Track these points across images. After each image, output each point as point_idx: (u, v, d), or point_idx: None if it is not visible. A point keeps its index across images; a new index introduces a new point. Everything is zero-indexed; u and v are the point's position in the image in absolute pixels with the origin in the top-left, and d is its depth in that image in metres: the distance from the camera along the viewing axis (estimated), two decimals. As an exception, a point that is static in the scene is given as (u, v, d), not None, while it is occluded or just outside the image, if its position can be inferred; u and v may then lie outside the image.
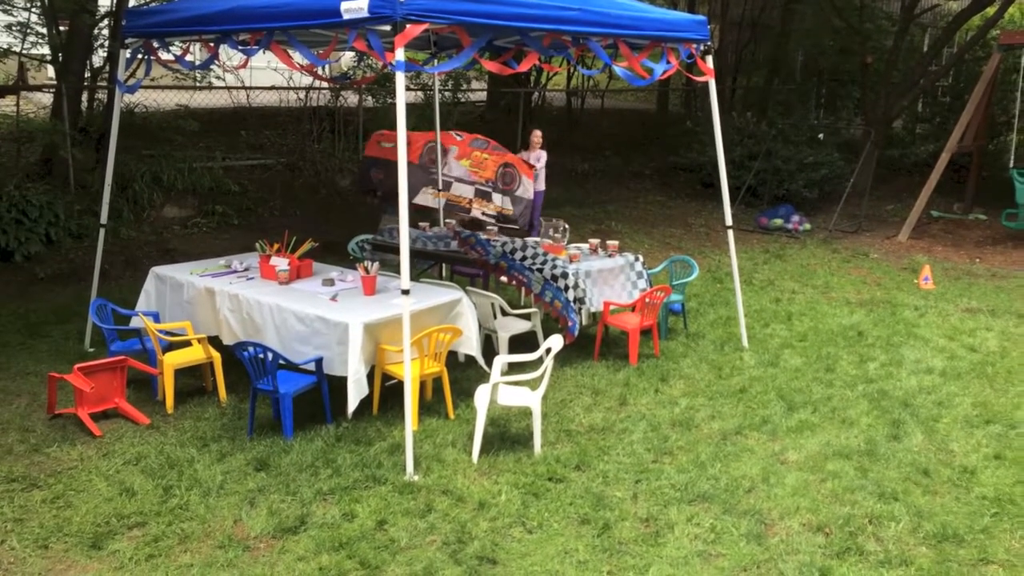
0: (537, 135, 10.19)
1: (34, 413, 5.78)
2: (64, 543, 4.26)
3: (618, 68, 6.48)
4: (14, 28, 11.11)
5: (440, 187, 9.72)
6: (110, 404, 5.73)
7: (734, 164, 13.71)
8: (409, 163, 9.42)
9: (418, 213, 9.56)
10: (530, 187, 10.02)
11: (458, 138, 9.97)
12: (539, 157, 10.02)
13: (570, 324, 6.92)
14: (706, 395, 6.39)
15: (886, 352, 7.43)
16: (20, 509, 4.55)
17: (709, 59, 7.03)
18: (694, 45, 6.89)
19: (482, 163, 9.88)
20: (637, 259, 7.62)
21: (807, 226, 12.86)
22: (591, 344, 7.28)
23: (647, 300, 7.12)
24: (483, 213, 9.77)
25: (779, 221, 12.84)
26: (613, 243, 7.70)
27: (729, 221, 7.52)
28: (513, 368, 6.51)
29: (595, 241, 7.79)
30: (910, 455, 5.43)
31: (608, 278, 7.36)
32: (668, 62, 6.71)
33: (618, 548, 4.31)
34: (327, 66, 11.13)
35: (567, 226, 8.33)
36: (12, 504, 4.60)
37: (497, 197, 9.82)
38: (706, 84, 7.17)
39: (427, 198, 9.77)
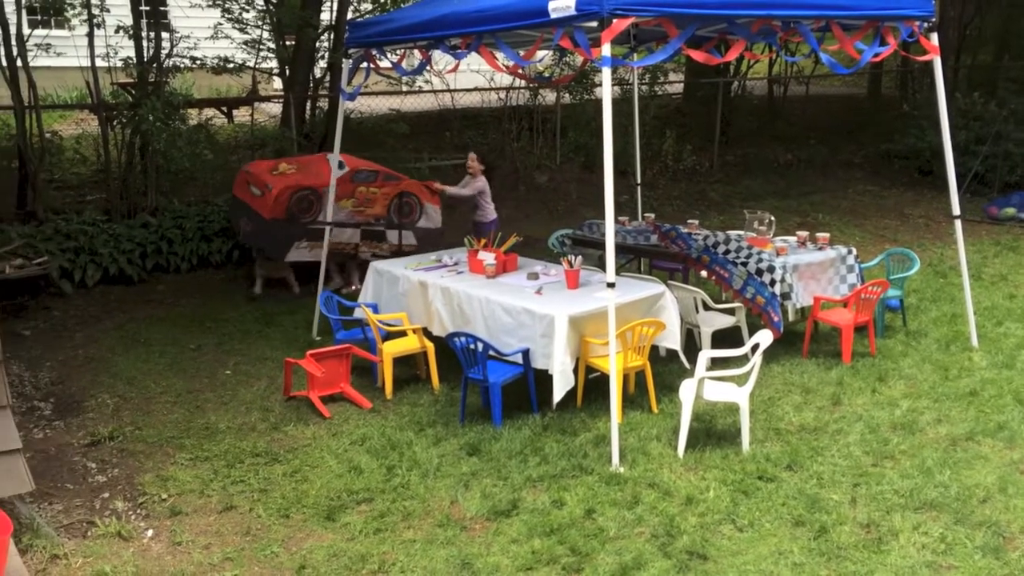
0: (472, 158, 8.42)
1: (272, 395, 6.36)
2: (303, 513, 4.67)
3: (824, 56, 6.18)
4: (248, 45, 12.26)
5: (314, 238, 8.42)
6: (336, 389, 6.20)
7: (958, 149, 12.58)
8: (273, 220, 8.27)
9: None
10: (436, 215, 9.03)
11: (339, 171, 8.41)
12: (477, 180, 8.30)
13: (775, 320, 6.69)
14: (930, 397, 5.97)
15: None
16: (264, 481, 5.05)
17: (934, 36, 6.54)
18: (917, 22, 6.44)
19: (369, 199, 8.64)
20: (849, 252, 7.23)
21: (1045, 215, 11.64)
22: (799, 341, 7.00)
23: (862, 295, 6.75)
24: (373, 255, 8.62)
25: (1011, 210, 11.70)
26: (824, 235, 7.36)
27: (957, 210, 6.96)
28: (716, 363, 6.39)
29: (804, 234, 7.48)
30: None
31: (816, 272, 7.04)
32: (885, 42, 6.32)
33: (837, 553, 4.14)
34: (528, 66, 10.77)
35: (773, 218, 8.01)
36: (258, 476, 5.10)
37: (392, 234, 8.71)
38: (925, 64, 6.70)
39: (302, 253, 8.47)
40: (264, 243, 8.52)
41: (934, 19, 6.53)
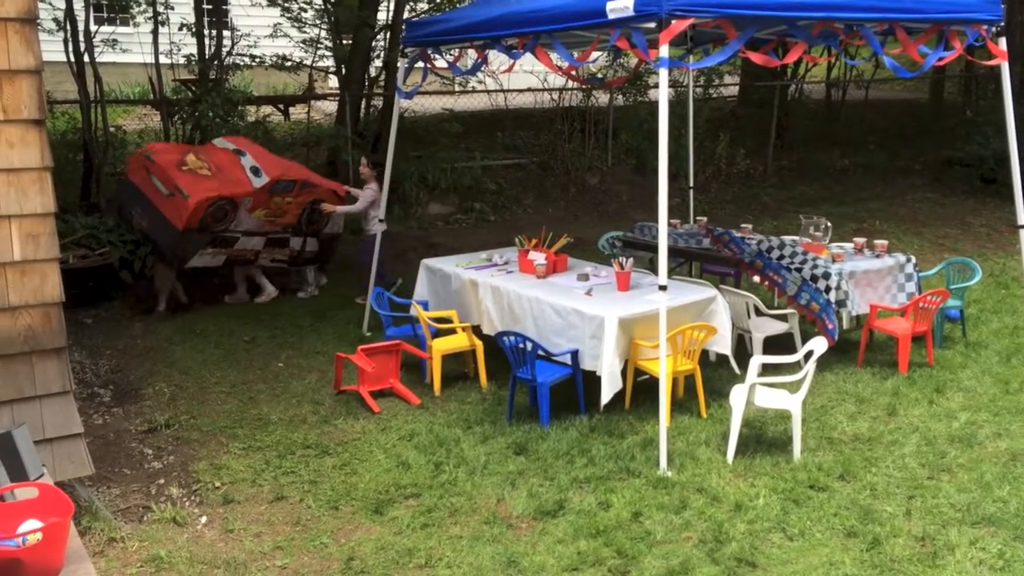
0: (363, 163, 8.25)
1: (323, 388, 6.45)
2: (351, 506, 4.73)
3: (887, 59, 6.06)
4: (306, 44, 12.46)
5: (220, 245, 7.93)
6: (386, 384, 6.26)
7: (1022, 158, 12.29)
8: (187, 230, 7.56)
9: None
10: (340, 221, 8.66)
11: (257, 178, 7.90)
12: (367, 190, 8.20)
13: (829, 327, 6.58)
14: (990, 410, 5.81)
15: None
16: (314, 472, 5.12)
17: (1002, 41, 6.37)
18: (984, 26, 6.27)
19: (283, 209, 8.11)
20: (909, 260, 7.08)
21: (1115, 226, 11.24)
22: (853, 349, 6.87)
23: (921, 305, 6.60)
24: (272, 260, 8.38)
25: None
26: (882, 242, 7.22)
27: (1022, 219, 6.77)
28: (768, 369, 6.30)
29: (861, 240, 7.34)
30: None
31: (873, 280, 6.91)
32: (950, 46, 6.17)
33: (890, 565, 4.05)
34: (582, 67, 10.59)
35: (829, 224, 7.87)
36: (308, 468, 5.18)
37: (296, 241, 8.37)
38: (989, 69, 6.53)
39: (205, 259, 7.94)
40: (168, 249, 7.79)
41: (1002, 23, 6.36)
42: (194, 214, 7.43)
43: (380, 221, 7.95)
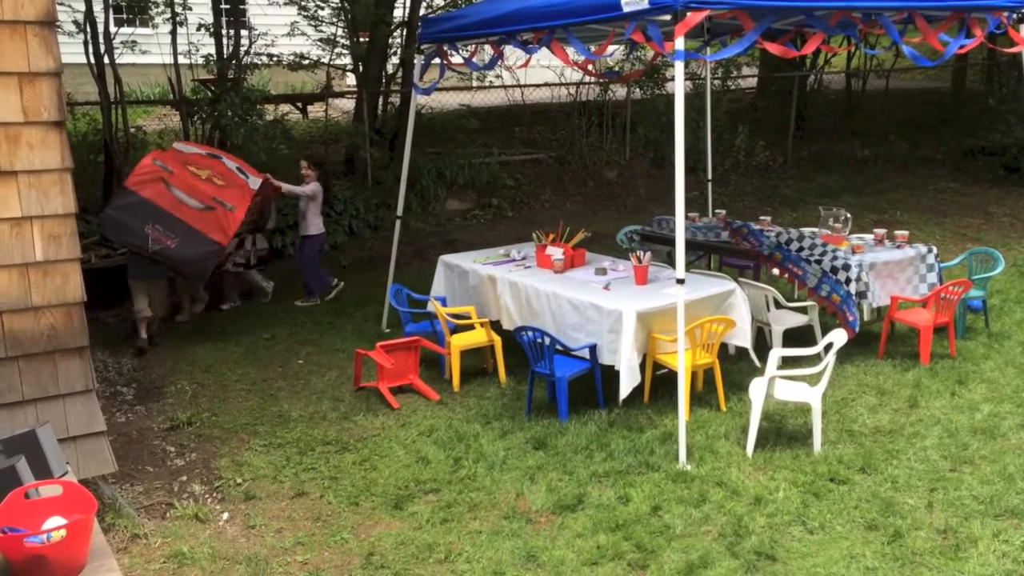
0: (303, 165, 8.30)
1: (342, 385, 6.49)
2: (371, 501, 4.76)
3: (906, 48, 5.99)
4: (323, 42, 12.50)
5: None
6: (405, 380, 6.29)
7: (1046, 145, 12.13)
8: (219, 244, 7.03)
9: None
10: (274, 215, 8.59)
11: (253, 184, 7.52)
12: (313, 183, 8.20)
13: (850, 319, 6.53)
14: (1013, 402, 5.75)
15: None
16: (335, 469, 5.15)
17: (1023, 28, 6.28)
18: (1005, 13, 6.19)
19: (255, 207, 7.86)
20: (930, 251, 7.01)
21: None
22: (874, 341, 6.82)
23: (942, 295, 6.53)
24: (234, 264, 8.25)
25: (1105, 209, 11.18)
26: (902, 233, 7.14)
27: (1045, 208, 6.68)
28: (787, 362, 6.27)
29: (881, 231, 7.27)
30: None
31: (893, 271, 6.84)
32: (971, 34, 6.09)
33: (912, 558, 4.03)
34: (598, 61, 10.50)
35: (849, 215, 7.80)
36: (328, 464, 5.21)
37: (248, 240, 8.27)
38: (1013, 57, 6.43)
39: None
40: (202, 266, 7.02)
41: (1023, 10, 6.27)
42: (237, 226, 7.21)
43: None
